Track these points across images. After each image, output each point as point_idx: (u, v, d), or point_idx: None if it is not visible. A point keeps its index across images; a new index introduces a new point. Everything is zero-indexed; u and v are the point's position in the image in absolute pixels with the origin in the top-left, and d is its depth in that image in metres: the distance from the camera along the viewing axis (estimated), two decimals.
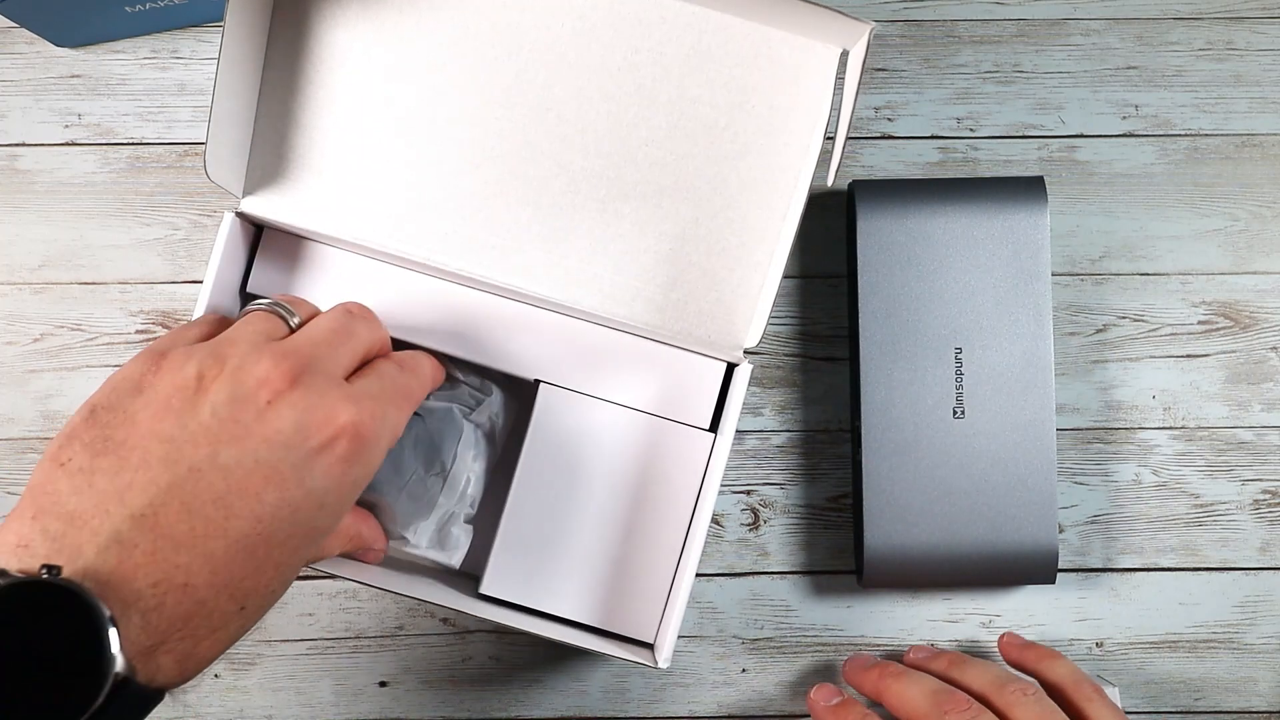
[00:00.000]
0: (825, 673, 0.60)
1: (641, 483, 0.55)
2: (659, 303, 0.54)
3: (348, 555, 0.50)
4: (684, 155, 0.54)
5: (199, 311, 0.52)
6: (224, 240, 0.52)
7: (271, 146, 0.55)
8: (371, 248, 0.54)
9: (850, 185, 0.59)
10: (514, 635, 0.60)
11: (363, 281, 0.56)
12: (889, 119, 0.63)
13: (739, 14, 0.53)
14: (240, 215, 0.54)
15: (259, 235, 0.57)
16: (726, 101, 0.54)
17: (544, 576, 0.55)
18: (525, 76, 0.54)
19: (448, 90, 0.55)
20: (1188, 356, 0.62)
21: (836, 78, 0.54)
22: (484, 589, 0.55)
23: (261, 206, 0.54)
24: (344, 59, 0.55)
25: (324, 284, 0.56)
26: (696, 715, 0.61)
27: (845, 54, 0.53)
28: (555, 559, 0.55)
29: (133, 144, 0.62)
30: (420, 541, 0.52)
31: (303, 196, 0.55)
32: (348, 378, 0.43)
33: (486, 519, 0.59)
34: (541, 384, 0.56)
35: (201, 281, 0.61)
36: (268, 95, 0.55)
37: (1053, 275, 0.61)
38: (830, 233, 0.62)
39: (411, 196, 0.55)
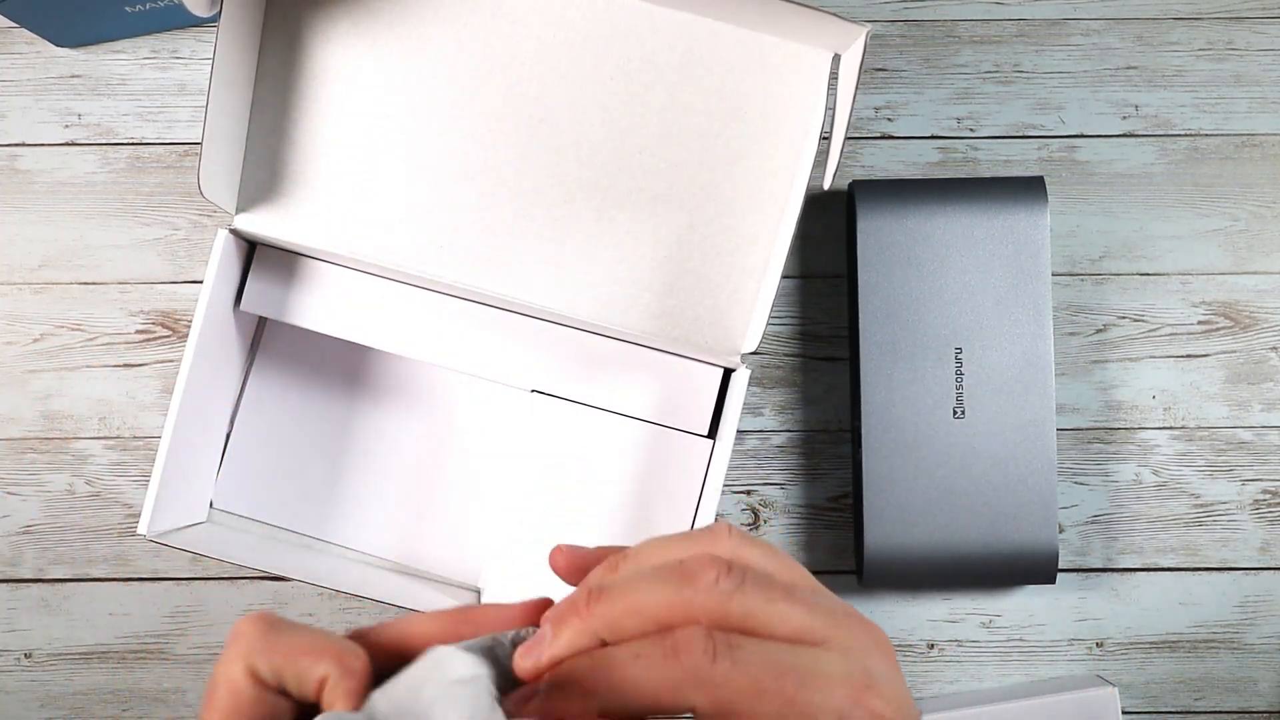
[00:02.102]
0: None
1: (641, 490, 0.56)
2: (655, 310, 0.54)
3: None
4: (678, 162, 0.54)
5: (195, 329, 0.52)
6: (217, 259, 0.53)
7: (264, 162, 0.55)
8: (365, 262, 0.54)
9: (850, 185, 0.59)
10: None
11: (356, 297, 0.56)
12: (889, 119, 0.62)
13: (731, 21, 0.53)
14: (233, 232, 0.54)
15: (254, 247, 0.57)
16: (719, 108, 0.54)
17: (545, 587, 0.55)
18: (518, 88, 0.54)
19: (440, 103, 0.55)
20: (1188, 356, 0.62)
21: (830, 80, 0.54)
22: (485, 602, 0.55)
23: (255, 223, 0.54)
24: (336, 74, 0.55)
25: (318, 300, 0.57)
26: None
27: (837, 58, 0.53)
28: None
29: (133, 144, 0.62)
30: None
31: (296, 211, 0.55)
32: None
33: (485, 527, 0.59)
34: (537, 394, 0.56)
35: (201, 282, 0.61)
36: (260, 111, 0.55)
37: (1053, 275, 0.61)
38: (830, 233, 0.62)
39: (405, 210, 0.55)
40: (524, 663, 0.26)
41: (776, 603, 0.25)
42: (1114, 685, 0.58)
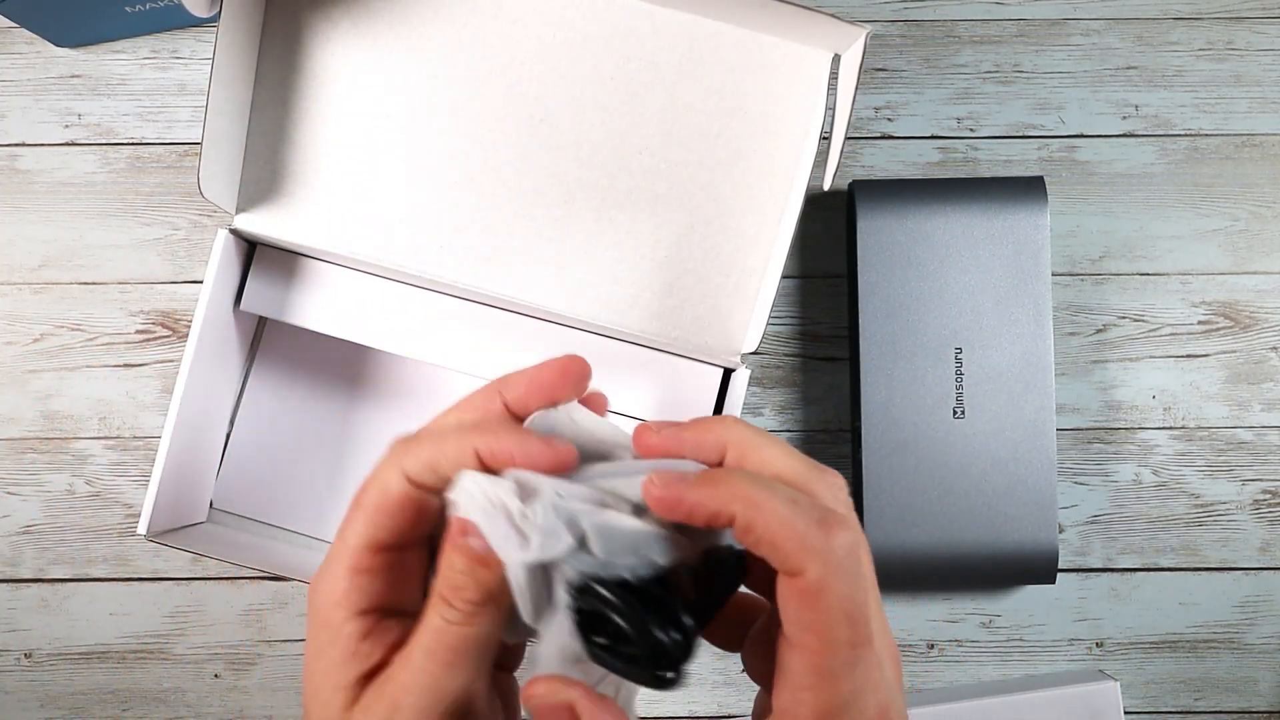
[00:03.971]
0: None
1: None
2: (655, 310, 0.54)
3: None
4: (678, 162, 0.54)
5: (195, 329, 0.52)
6: (217, 259, 0.53)
7: (264, 162, 0.55)
8: (365, 262, 0.54)
9: (850, 185, 0.59)
10: None
11: (356, 297, 0.56)
12: (889, 119, 0.62)
13: (731, 21, 0.53)
14: (234, 232, 0.54)
15: (254, 247, 0.57)
16: (719, 108, 0.54)
17: None
18: (518, 89, 0.54)
19: (440, 104, 0.54)
20: (1188, 356, 0.62)
21: (830, 80, 0.54)
22: None
23: (255, 223, 0.54)
24: (336, 74, 0.55)
25: (318, 300, 0.57)
26: (696, 715, 0.61)
27: (837, 58, 0.53)
28: None
29: (133, 144, 0.62)
30: None
31: (296, 212, 0.55)
32: None
33: None
34: None
35: (201, 282, 0.61)
36: (260, 111, 0.55)
37: (1053, 275, 0.61)
38: (830, 233, 0.62)
39: (405, 210, 0.55)
40: (657, 495, 0.27)
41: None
42: (1115, 680, 0.58)
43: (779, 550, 0.26)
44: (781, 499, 0.26)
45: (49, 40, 0.61)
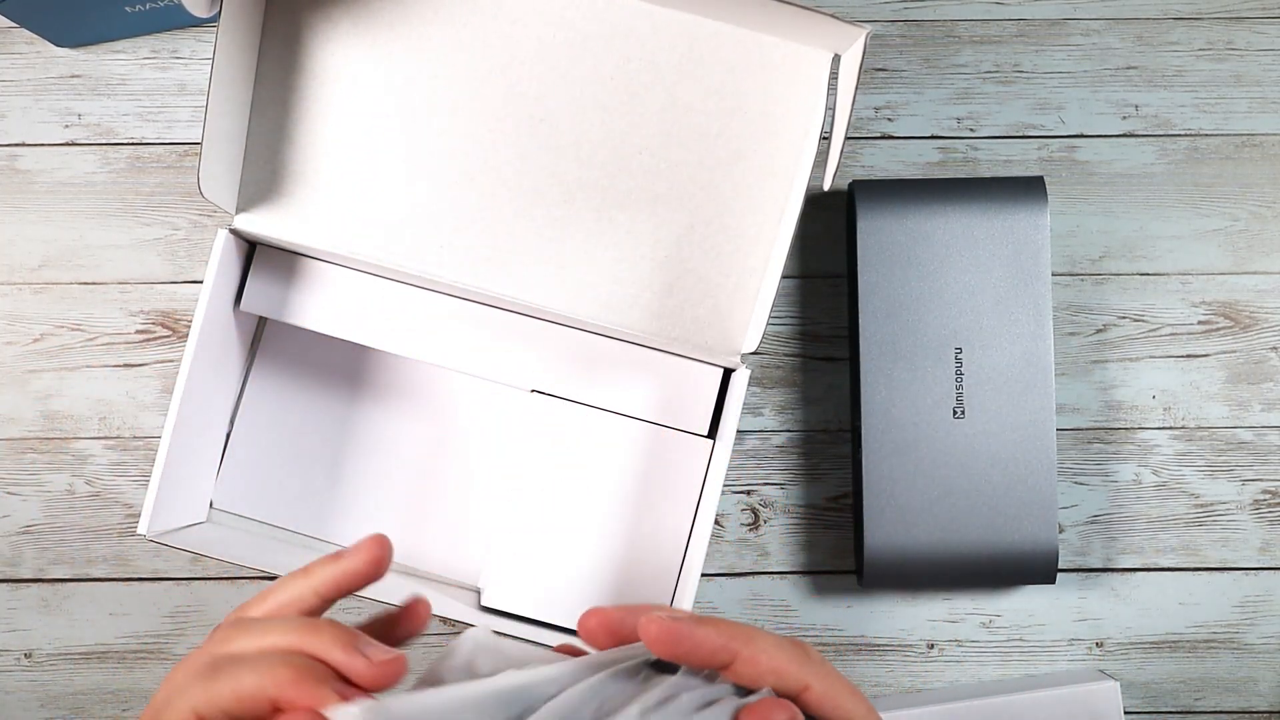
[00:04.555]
0: None
1: (641, 490, 0.56)
2: (655, 310, 0.54)
3: None
4: (678, 162, 0.54)
5: (195, 329, 0.52)
6: (217, 259, 0.53)
7: (264, 162, 0.55)
8: (365, 262, 0.54)
9: (850, 185, 0.59)
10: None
11: (356, 297, 0.56)
12: (889, 119, 0.62)
13: (731, 21, 0.53)
14: (234, 232, 0.54)
15: (254, 247, 0.57)
16: (719, 108, 0.54)
17: (545, 587, 0.55)
18: (518, 88, 0.54)
19: (441, 104, 0.55)
20: (1188, 356, 0.62)
21: (830, 80, 0.54)
22: (485, 601, 0.55)
23: (255, 223, 0.54)
24: (336, 74, 0.55)
25: (318, 300, 0.57)
26: None
27: (837, 58, 0.53)
28: (556, 569, 0.55)
29: (133, 144, 0.62)
30: None
31: (296, 211, 0.55)
32: None
33: (485, 527, 0.59)
34: (537, 394, 0.56)
35: (201, 282, 0.61)
36: (260, 111, 0.55)
37: (1053, 275, 0.61)
38: (830, 233, 0.62)
39: (405, 210, 0.55)
40: (663, 626, 0.29)
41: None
42: (1115, 680, 0.58)
43: (785, 675, 0.29)
44: (765, 634, 0.30)
45: (49, 40, 0.61)
